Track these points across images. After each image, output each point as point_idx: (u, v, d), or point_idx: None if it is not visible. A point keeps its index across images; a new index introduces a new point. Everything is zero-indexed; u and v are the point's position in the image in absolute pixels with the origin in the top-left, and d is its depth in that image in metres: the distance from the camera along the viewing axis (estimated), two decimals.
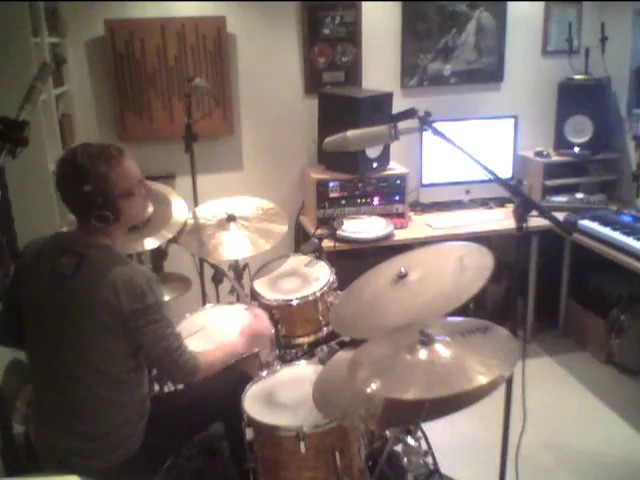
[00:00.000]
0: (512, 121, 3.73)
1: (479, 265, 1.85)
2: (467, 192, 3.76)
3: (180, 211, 2.58)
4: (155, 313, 1.75)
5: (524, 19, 3.80)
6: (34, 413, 1.89)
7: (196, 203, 2.98)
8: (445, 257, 2.03)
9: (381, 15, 3.60)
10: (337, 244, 2.95)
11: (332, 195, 3.34)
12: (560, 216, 3.28)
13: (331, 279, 2.49)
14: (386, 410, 1.55)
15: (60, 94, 3.11)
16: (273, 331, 2.24)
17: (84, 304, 1.72)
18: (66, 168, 1.74)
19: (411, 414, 1.48)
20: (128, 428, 1.83)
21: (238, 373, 2.15)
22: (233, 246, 2.56)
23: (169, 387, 2.70)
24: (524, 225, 1.68)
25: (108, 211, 1.73)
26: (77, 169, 1.70)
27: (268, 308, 2.41)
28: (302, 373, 2.16)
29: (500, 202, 3.75)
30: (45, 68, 1.91)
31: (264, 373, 2.17)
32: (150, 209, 2.50)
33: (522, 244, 1.80)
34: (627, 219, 3.24)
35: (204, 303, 3.06)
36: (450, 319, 1.72)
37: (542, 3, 3.80)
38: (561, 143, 3.78)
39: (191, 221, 2.68)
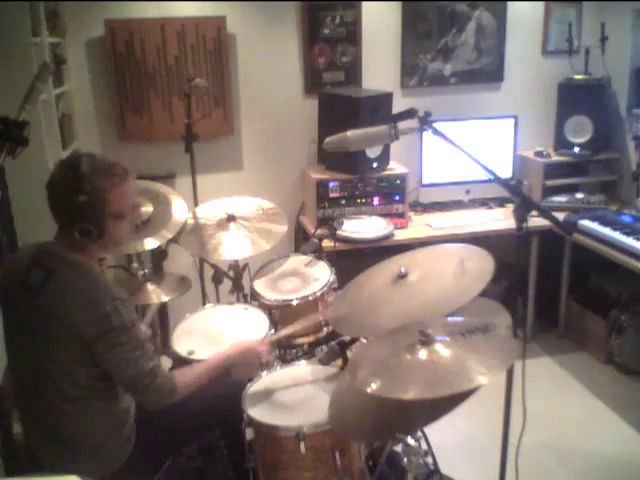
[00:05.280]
0: (512, 121, 3.73)
1: (479, 269, 1.85)
2: (467, 192, 3.76)
3: (180, 211, 2.58)
4: (120, 336, 1.66)
5: (524, 19, 3.80)
6: (22, 423, 1.86)
7: (196, 203, 2.98)
8: (445, 259, 2.03)
9: (381, 15, 3.60)
10: (337, 244, 2.95)
11: (332, 195, 3.34)
12: (560, 216, 3.28)
13: (331, 279, 2.49)
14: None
15: (60, 94, 3.11)
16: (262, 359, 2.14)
17: (48, 321, 1.67)
18: (67, 172, 1.68)
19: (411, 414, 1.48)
20: (109, 443, 1.79)
21: (236, 380, 2.12)
22: (233, 246, 2.56)
23: None
24: (524, 225, 1.68)
25: (93, 227, 1.68)
26: (78, 176, 1.65)
27: (268, 308, 2.42)
28: (302, 373, 2.16)
29: (500, 202, 3.75)
30: (45, 68, 1.92)
31: (264, 373, 2.17)
32: (150, 209, 2.50)
33: (522, 244, 1.79)
34: (627, 219, 3.24)
35: (204, 303, 3.06)
36: (450, 319, 1.72)
37: (542, 3, 3.80)
38: (561, 143, 3.78)
39: (191, 221, 2.68)
